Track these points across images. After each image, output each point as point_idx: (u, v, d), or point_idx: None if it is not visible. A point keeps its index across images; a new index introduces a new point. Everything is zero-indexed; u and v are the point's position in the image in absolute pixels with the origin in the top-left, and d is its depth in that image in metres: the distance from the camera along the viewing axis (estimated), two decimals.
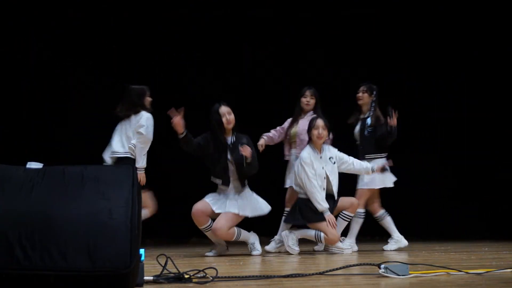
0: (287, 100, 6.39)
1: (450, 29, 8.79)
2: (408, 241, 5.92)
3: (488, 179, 8.56)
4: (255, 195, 5.34)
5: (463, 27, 8.71)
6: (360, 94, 5.91)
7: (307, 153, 5.44)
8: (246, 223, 6.10)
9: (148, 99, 5.64)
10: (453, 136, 8.82)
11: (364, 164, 5.61)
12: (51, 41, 8.12)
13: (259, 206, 5.31)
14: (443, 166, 8.81)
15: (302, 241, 5.56)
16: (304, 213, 5.38)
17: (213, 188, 5.55)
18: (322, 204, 5.34)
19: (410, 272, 2.98)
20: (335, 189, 5.52)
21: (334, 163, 5.52)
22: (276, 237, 5.79)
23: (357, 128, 5.92)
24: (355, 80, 6.41)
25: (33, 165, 2.34)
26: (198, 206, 5.23)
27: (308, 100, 5.86)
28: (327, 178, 5.46)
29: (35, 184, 2.23)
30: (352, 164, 5.57)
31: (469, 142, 8.74)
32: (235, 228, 5.23)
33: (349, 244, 5.65)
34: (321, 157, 5.46)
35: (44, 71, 8.14)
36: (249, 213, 5.23)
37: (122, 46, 8.41)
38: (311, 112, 5.85)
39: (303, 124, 5.78)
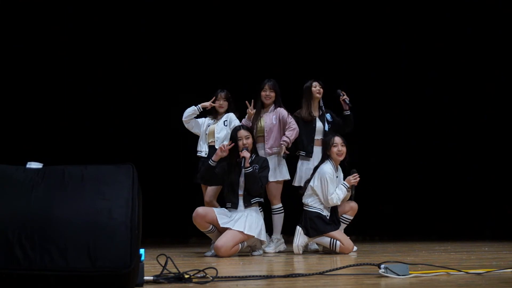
0: (288, 99, 6.40)
1: (450, 29, 8.80)
2: (408, 241, 5.92)
3: (488, 179, 8.57)
4: (262, 221, 5.32)
5: (463, 27, 8.72)
6: (320, 89, 5.93)
7: (330, 169, 5.38)
8: None
9: None
10: (453, 137, 8.83)
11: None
12: (50, 41, 8.13)
13: (263, 232, 5.29)
14: (443, 166, 8.83)
15: None
16: (318, 225, 5.35)
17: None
18: (344, 191, 5.32)
19: (410, 272, 2.98)
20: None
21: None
22: (274, 236, 5.78)
23: (318, 124, 5.91)
24: (355, 80, 6.42)
25: (33, 165, 2.34)
26: (199, 211, 5.14)
27: (267, 93, 5.87)
28: None
29: (34, 184, 2.23)
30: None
31: (469, 142, 8.75)
32: (239, 244, 5.17)
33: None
34: (337, 177, 5.46)
35: (44, 71, 8.15)
36: (255, 233, 5.17)
37: (122, 46, 8.42)
38: (273, 106, 5.89)
39: (268, 117, 5.82)
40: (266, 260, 4.78)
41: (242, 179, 5.26)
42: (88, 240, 2.13)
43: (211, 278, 2.86)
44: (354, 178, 5.36)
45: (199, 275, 2.91)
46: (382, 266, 3.00)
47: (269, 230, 5.88)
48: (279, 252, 5.66)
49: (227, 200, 5.31)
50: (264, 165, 5.33)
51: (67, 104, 8.24)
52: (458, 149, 8.76)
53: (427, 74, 8.93)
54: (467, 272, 3.15)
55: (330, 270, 3.19)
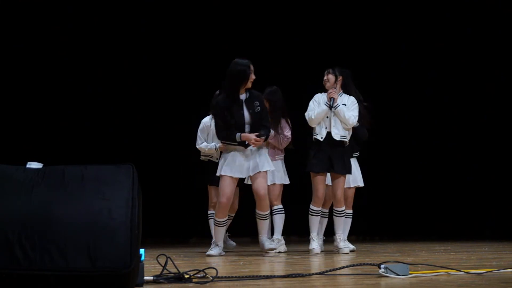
0: (288, 99, 6.40)
1: (450, 29, 8.80)
2: (408, 241, 5.91)
3: (488, 179, 8.57)
4: (266, 153, 5.36)
5: (463, 27, 8.72)
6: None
7: (319, 94, 5.52)
8: (244, 223, 6.10)
9: None
10: (453, 137, 8.82)
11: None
12: (50, 41, 8.13)
13: (270, 162, 5.32)
14: (443, 166, 8.83)
15: (301, 242, 5.55)
16: (322, 161, 5.35)
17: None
18: (322, 107, 5.36)
19: (410, 272, 2.98)
20: (335, 132, 5.40)
21: (344, 104, 5.46)
22: (274, 237, 5.78)
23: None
24: (355, 80, 6.41)
25: (33, 165, 2.34)
26: (229, 194, 5.11)
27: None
28: (330, 119, 5.41)
29: (35, 184, 2.23)
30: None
31: (469, 142, 8.74)
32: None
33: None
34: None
35: (44, 71, 8.14)
36: (268, 166, 5.21)
37: (122, 46, 8.42)
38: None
39: (274, 127, 5.83)
40: (266, 260, 4.78)
41: (246, 114, 5.14)
42: (88, 240, 2.13)
43: (211, 278, 2.87)
44: (329, 92, 5.44)
45: (199, 275, 2.91)
46: (382, 266, 3.00)
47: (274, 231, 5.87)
48: (279, 252, 5.66)
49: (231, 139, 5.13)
50: (262, 105, 5.22)
51: (67, 104, 8.23)
52: (458, 149, 8.75)
53: (427, 74, 8.93)
54: (467, 272, 3.15)
55: (330, 270, 3.19)
